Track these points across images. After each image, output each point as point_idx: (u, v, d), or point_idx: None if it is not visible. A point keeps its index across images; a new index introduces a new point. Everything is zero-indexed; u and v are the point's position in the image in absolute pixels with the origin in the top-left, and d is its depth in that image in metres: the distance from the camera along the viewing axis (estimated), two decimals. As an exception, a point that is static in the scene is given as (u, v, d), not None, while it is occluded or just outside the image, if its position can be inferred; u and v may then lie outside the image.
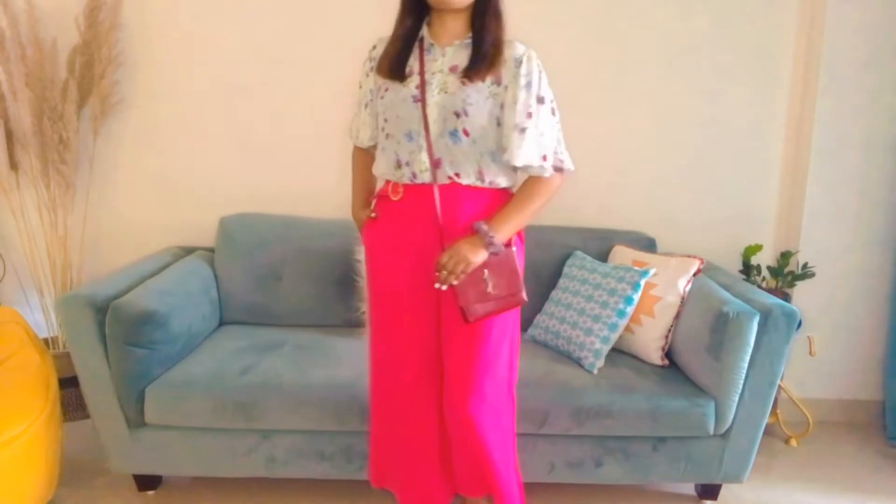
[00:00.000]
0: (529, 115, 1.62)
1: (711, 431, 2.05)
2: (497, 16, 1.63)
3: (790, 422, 2.69)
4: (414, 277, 1.68)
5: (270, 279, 2.50)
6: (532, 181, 1.68)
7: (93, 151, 2.62)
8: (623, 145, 2.74)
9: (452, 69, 1.63)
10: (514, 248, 1.65)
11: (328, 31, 2.62)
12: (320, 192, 2.69)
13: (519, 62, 1.62)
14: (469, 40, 1.64)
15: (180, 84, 2.66)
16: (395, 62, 1.65)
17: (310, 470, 2.07)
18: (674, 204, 2.78)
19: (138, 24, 2.60)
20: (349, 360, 2.17)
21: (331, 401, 2.00)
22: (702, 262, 2.29)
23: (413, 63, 1.65)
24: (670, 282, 2.24)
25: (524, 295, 1.64)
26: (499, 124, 1.64)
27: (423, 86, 1.62)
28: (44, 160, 2.50)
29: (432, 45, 1.66)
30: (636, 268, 2.28)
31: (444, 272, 1.58)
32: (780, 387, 2.46)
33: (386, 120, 1.68)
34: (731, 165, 2.77)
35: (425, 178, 1.63)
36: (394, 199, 1.68)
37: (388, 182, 1.72)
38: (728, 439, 2.08)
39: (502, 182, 1.68)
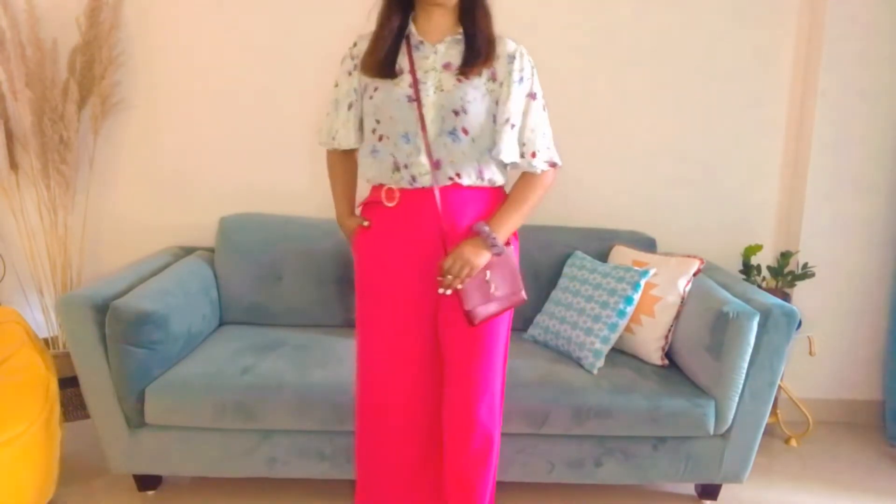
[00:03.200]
0: (524, 111, 1.62)
1: (711, 431, 2.05)
2: (486, 11, 1.62)
3: (790, 422, 2.69)
4: (413, 284, 1.64)
5: (270, 279, 2.50)
6: (526, 178, 1.67)
7: (93, 151, 2.63)
8: (623, 146, 2.74)
9: (446, 66, 1.59)
10: (511, 247, 1.65)
11: (328, 31, 2.61)
12: (320, 192, 2.68)
13: (512, 58, 1.61)
14: (460, 36, 1.61)
15: (181, 84, 2.66)
16: (384, 60, 1.59)
17: (310, 470, 2.07)
18: (674, 204, 2.78)
19: (139, 24, 2.60)
20: (349, 360, 2.16)
21: (331, 401, 2.00)
22: (702, 262, 2.29)
23: (402, 61, 1.60)
24: (670, 282, 2.24)
25: (524, 293, 1.64)
26: (495, 121, 1.61)
27: (416, 85, 1.57)
28: (44, 160, 2.50)
29: (421, 41, 1.61)
30: (636, 268, 2.28)
31: (449, 277, 1.56)
32: (780, 387, 2.46)
33: (378, 122, 1.61)
34: (732, 166, 2.77)
35: (425, 181, 1.59)
36: (388, 204, 1.63)
37: (380, 187, 1.65)
38: (728, 439, 2.08)
39: (499, 179, 1.67)
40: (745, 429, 2.08)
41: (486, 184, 1.64)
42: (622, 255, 2.49)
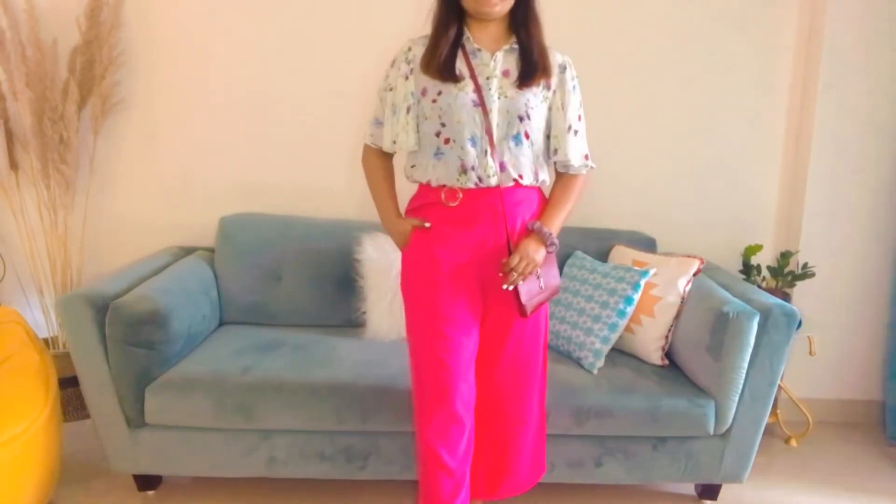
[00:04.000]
0: (579, 117, 1.75)
1: (711, 431, 2.05)
2: (538, 22, 1.69)
3: (790, 422, 2.69)
4: (471, 282, 1.73)
5: (270, 279, 2.50)
6: (571, 179, 1.79)
7: (93, 151, 2.63)
8: (623, 145, 2.74)
9: (505, 74, 1.67)
10: None
11: (328, 31, 2.62)
12: (320, 192, 2.69)
13: (563, 68, 1.73)
14: (515, 45, 1.69)
15: (181, 84, 2.66)
16: (447, 64, 1.66)
17: (310, 470, 2.07)
18: (674, 204, 2.78)
19: (139, 24, 2.60)
20: (349, 360, 2.17)
21: (331, 401, 1.99)
22: (702, 262, 2.29)
23: (461, 67, 1.67)
24: (670, 282, 2.24)
25: (559, 280, 1.81)
26: (547, 127, 1.73)
27: (479, 90, 1.64)
28: (44, 160, 2.50)
29: (478, 49, 1.68)
30: (636, 268, 2.28)
31: (514, 274, 1.65)
32: (780, 387, 2.46)
33: (444, 125, 1.67)
34: (732, 165, 2.77)
35: (492, 181, 1.67)
36: (450, 205, 1.69)
37: (439, 188, 1.71)
38: (728, 439, 2.08)
39: (547, 178, 1.78)
40: (745, 429, 2.08)
41: (538, 184, 1.75)
42: (622, 255, 2.49)
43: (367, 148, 1.84)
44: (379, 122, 1.79)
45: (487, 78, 1.66)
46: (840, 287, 2.75)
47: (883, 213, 2.71)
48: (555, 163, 1.78)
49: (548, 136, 1.75)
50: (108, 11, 2.49)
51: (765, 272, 2.68)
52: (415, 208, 1.78)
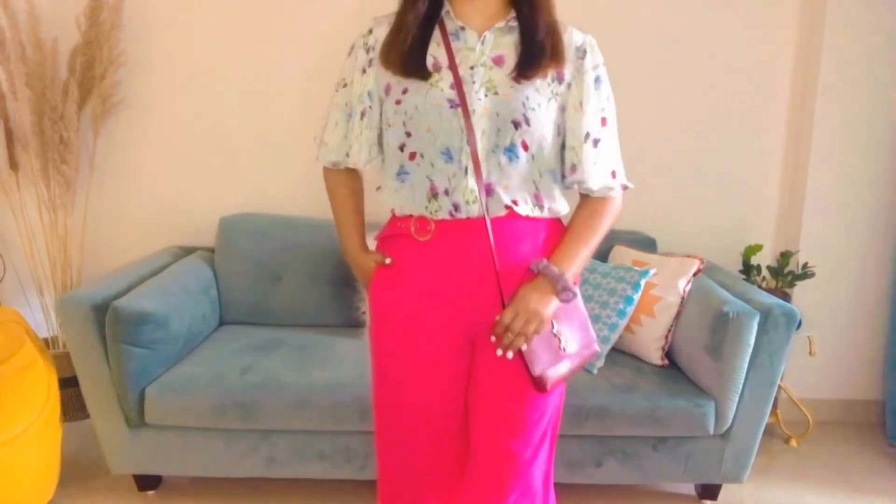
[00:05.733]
0: (603, 120, 1.29)
1: (711, 431, 2.05)
2: None
3: (790, 422, 2.69)
4: (450, 339, 1.31)
5: (270, 279, 2.50)
6: (595, 203, 1.33)
7: (93, 151, 2.62)
8: (623, 145, 2.73)
9: (497, 61, 1.24)
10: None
11: (329, 31, 2.62)
12: (320, 192, 2.68)
13: (582, 51, 1.28)
14: (513, 22, 1.26)
15: (181, 84, 2.66)
16: (413, 52, 1.24)
17: (310, 470, 2.07)
18: (674, 204, 2.78)
19: (139, 24, 2.60)
20: (349, 360, 2.17)
21: (331, 401, 1.99)
22: (702, 262, 2.29)
23: (437, 53, 1.25)
24: (670, 282, 2.24)
25: (597, 345, 1.33)
26: (558, 133, 1.29)
27: (459, 85, 1.22)
28: (44, 160, 2.50)
29: (461, 28, 1.26)
30: (636, 268, 2.28)
31: (509, 335, 1.22)
32: (780, 387, 2.46)
33: (409, 134, 1.25)
34: (732, 165, 2.77)
35: (473, 210, 1.24)
36: (420, 239, 1.27)
37: (408, 217, 1.29)
38: (728, 439, 2.08)
39: (562, 208, 1.33)
40: (745, 429, 2.08)
41: (545, 214, 1.30)
42: (622, 255, 2.49)
43: (325, 168, 1.45)
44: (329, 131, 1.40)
45: (472, 67, 1.23)
46: (840, 287, 2.75)
47: (883, 213, 2.71)
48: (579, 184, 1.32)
49: (563, 147, 1.31)
50: (108, 11, 2.49)
51: (765, 272, 2.68)
52: (383, 238, 1.38)
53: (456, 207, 1.25)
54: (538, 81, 1.24)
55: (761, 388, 2.06)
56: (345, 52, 1.36)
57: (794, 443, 2.64)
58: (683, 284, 2.23)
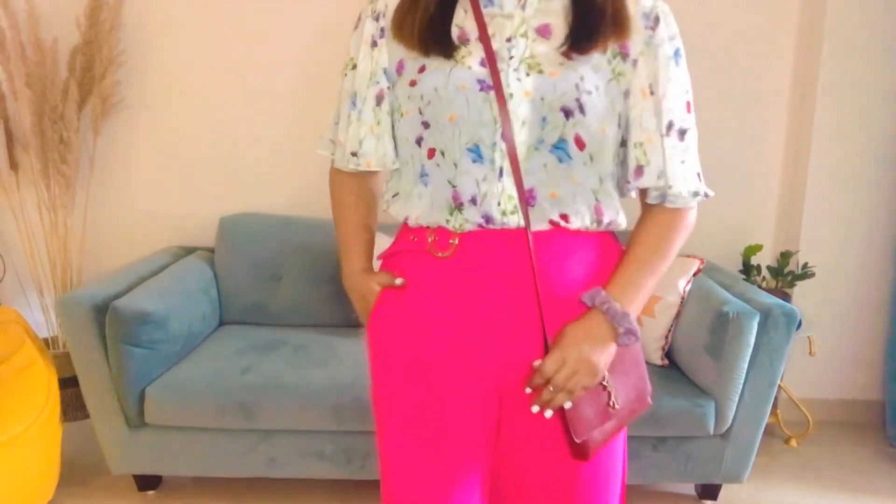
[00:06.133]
0: (689, 105, 1.04)
1: (711, 431, 2.05)
2: None
3: (790, 422, 2.69)
4: (474, 384, 1.01)
5: (270, 279, 2.50)
6: (667, 216, 1.04)
7: (93, 151, 2.62)
8: (623, 145, 2.74)
9: (542, 31, 0.97)
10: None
11: (329, 29, 2.62)
12: (320, 192, 2.68)
13: (653, 19, 0.99)
14: None
15: (181, 84, 2.66)
16: (433, 20, 0.99)
17: (310, 470, 2.07)
18: (674, 204, 2.78)
19: (139, 24, 2.60)
20: (349, 360, 2.17)
21: (331, 401, 1.99)
22: (702, 262, 2.29)
23: (464, 21, 0.99)
24: (670, 282, 2.24)
25: (650, 397, 1.06)
26: (619, 126, 1.01)
27: (492, 62, 0.95)
28: (44, 160, 2.50)
29: None
30: (636, 268, 2.28)
31: (552, 389, 0.96)
32: (780, 387, 2.46)
33: (427, 125, 0.99)
34: (732, 165, 2.77)
35: (509, 222, 0.97)
36: (440, 255, 1.00)
37: (423, 229, 1.03)
38: (728, 439, 2.08)
39: (622, 222, 1.06)
40: (745, 429, 2.08)
41: (603, 228, 1.03)
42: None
43: (332, 168, 1.19)
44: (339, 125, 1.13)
45: (508, 39, 0.97)
46: (840, 287, 2.75)
47: (883, 213, 2.71)
48: (642, 191, 1.05)
49: (622, 144, 1.03)
50: (108, 11, 2.49)
51: (765, 272, 2.68)
52: (389, 256, 1.11)
53: (488, 219, 0.97)
54: (596, 57, 0.96)
55: (761, 388, 2.05)
56: (345, 49, 1.12)
57: (794, 443, 2.64)
58: (683, 284, 2.23)
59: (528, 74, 0.96)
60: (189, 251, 2.62)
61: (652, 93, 1.00)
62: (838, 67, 2.61)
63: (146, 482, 2.19)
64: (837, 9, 2.57)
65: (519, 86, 0.96)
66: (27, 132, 2.46)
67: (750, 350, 2.01)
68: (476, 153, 0.97)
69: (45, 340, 2.64)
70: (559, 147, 0.97)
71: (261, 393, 2.00)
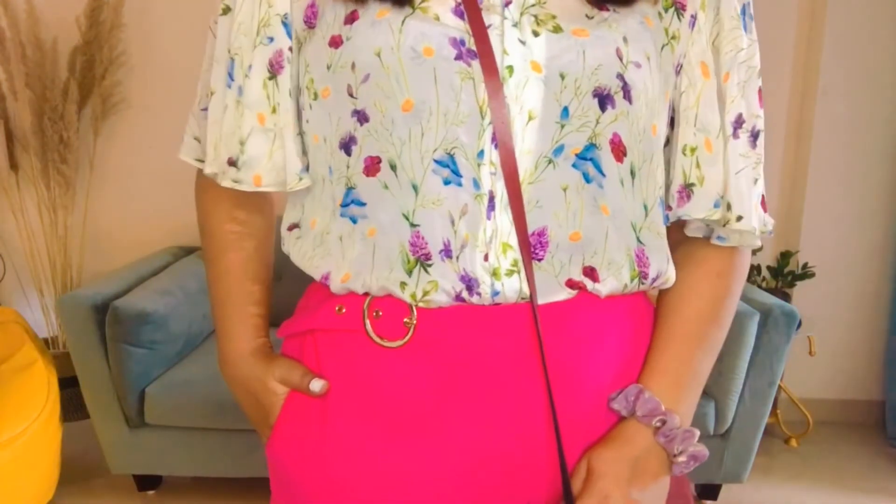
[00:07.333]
0: (760, 95, 0.67)
1: (711, 431, 2.05)
2: None
3: (790, 422, 2.69)
4: None
5: (270, 279, 2.50)
6: (723, 260, 0.71)
7: (93, 151, 2.62)
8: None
9: None
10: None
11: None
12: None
13: None
14: None
15: (181, 84, 2.66)
16: None
17: (310, 470, 2.07)
18: (674, 204, 2.78)
19: (140, 24, 2.60)
20: (349, 360, 2.16)
21: (331, 401, 1.99)
22: (702, 262, 2.28)
23: None
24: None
25: None
26: (671, 122, 0.67)
27: (475, 11, 0.58)
28: (44, 160, 2.50)
29: None
30: (636, 268, 2.28)
31: None
32: (780, 387, 2.46)
33: (363, 117, 0.60)
34: (731, 165, 2.77)
35: (505, 289, 0.60)
36: (387, 344, 0.62)
37: (356, 297, 0.64)
38: (728, 439, 2.08)
39: (672, 273, 0.69)
40: (745, 429, 2.08)
41: (646, 285, 0.66)
42: (622, 255, 2.49)
43: (198, 177, 0.84)
44: (205, 114, 0.76)
45: None
46: (840, 287, 2.75)
47: (883, 213, 2.71)
48: (683, 221, 0.70)
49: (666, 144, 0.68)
50: (108, 11, 2.48)
51: (765, 272, 2.68)
52: (298, 334, 0.74)
53: (469, 284, 0.60)
54: (644, 7, 0.62)
55: (761, 388, 2.05)
56: None
57: (794, 443, 2.64)
58: (683, 284, 2.23)
59: (536, 34, 0.58)
60: (189, 251, 2.62)
61: (715, 69, 0.65)
62: (839, 67, 2.61)
63: (146, 482, 2.19)
64: (837, 9, 2.57)
65: (522, 52, 0.57)
66: (27, 132, 2.46)
67: (750, 350, 2.01)
68: (450, 169, 0.58)
69: (45, 340, 2.64)
70: (586, 156, 0.60)
71: (261, 393, 2.00)
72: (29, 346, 2.03)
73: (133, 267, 2.34)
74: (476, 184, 0.59)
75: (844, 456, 2.57)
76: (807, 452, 2.59)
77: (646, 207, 0.64)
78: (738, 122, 0.65)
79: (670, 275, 0.68)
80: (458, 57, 0.58)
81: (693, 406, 0.69)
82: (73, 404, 2.54)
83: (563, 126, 0.59)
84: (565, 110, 0.59)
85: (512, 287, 0.60)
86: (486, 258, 0.59)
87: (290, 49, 0.64)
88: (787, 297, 2.59)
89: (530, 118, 0.58)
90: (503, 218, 0.59)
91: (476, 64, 0.57)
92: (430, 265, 0.60)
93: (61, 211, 2.59)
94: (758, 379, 2.04)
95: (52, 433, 1.91)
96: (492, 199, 0.59)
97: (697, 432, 0.66)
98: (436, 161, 0.59)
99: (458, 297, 0.60)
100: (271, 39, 0.64)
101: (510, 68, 0.57)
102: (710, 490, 2.22)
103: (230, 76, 0.66)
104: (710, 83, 0.64)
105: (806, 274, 2.63)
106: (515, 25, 0.58)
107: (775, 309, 2.02)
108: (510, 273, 0.59)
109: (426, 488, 0.62)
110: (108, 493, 2.18)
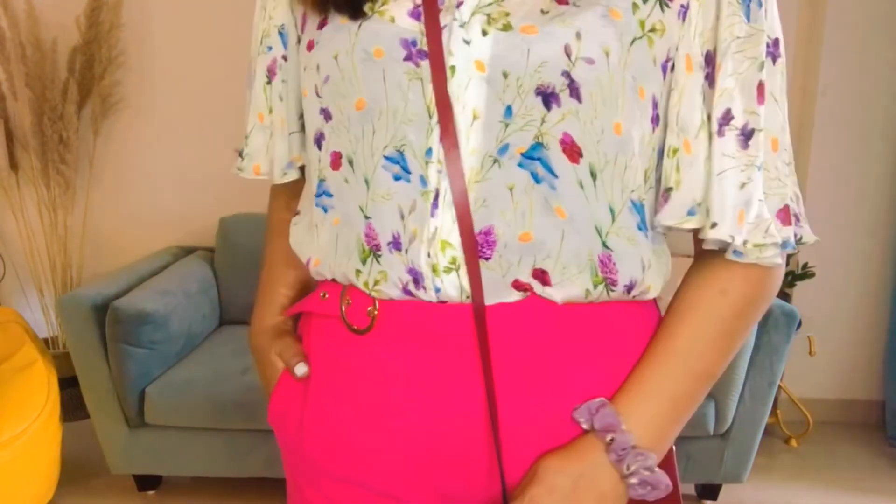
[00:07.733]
0: (762, 89, 0.67)
1: (711, 431, 2.05)
2: None
3: (790, 422, 2.69)
4: None
5: (270, 279, 2.50)
6: (737, 276, 0.65)
7: (93, 151, 2.62)
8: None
9: None
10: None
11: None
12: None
13: None
14: None
15: (180, 84, 2.66)
16: None
17: (310, 470, 2.07)
18: (674, 204, 2.78)
19: (139, 24, 2.60)
20: (349, 360, 2.16)
21: (331, 401, 1.99)
22: (702, 262, 2.28)
23: None
24: (670, 282, 2.24)
25: None
26: (656, 121, 0.63)
27: (432, 11, 0.59)
28: (44, 160, 2.50)
29: None
30: (636, 268, 2.28)
31: None
32: (780, 387, 2.46)
33: (327, 115, 0.65)
34: (731, 165, 2.77)
35: (447, 287, 0.60)
36: (355, 330, 0.65)
37: (331, 284, 0.68)
38: (728, 439, 2.08)
39: (656, 284, 0.68)
40: (745, 429, 2.08)
41: (618, 293, 0.63)
42: (622, 255, 2.49)
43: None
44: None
45: None
46: (840, 287, 2.75)
47: (883, 213, 2.71)
48: (698, 236, 0.66)
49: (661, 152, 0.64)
50: (108, 11, 2.49)
51: (765, 272, 2.68)
52: (301, 316, 0.78)
53: (415, 278, 0.61)
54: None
55: (761, 388, 2.05)
56: None
57: (794, 443, 2.64)
58: (683, 284, 2.23)
59: (484, 33, 0.57)
60: (189, 251, 2.62)
61: (708, 63, 0.61)
62: (839, 67, 2.61)
63: (146, 482, 2.19)
64: (837, 9, 2.57)
65: (466, 52, 0.57)
66: (27, 132, 2.46)
67: (750, 350, 2.01)
68: (400, 165, 0.60)
69: (45, 340, 2.64)
70: (533, 156, 0.58)
71: (261, 393, 1.99)
72: (29, 346, 2.03)
73: (133, 267, 2.34)
74: (423, 181, 0.60)
75: (844, 456, 2.57)
76: (807, 452, 2.59)
77: (612, 211, 0.61)
78: (726, 119, 0.61)
79: (649, 283, 0.66)
80: (408, 58, 0.60)
81: (666, 429, 0.62)
82: (73, 404, 2.54)
83: (507, 125, 0.59)
84: (508, 109, 0.58)
85: (452, 284, 0.60)
86: (427, 254, 0.60)
87: (284, 57, 0.74)
88: (786, 298, 2.59)
89: (475, 117, 0.59)
90: (446, 215, 0.59)
91: (425, 64, 0.59)
92: (380, 256, 0.63)
93: (61, 211, 2.59)
94: (758, 379, 2.04)
95: (52, 433, 1.91)
96: (436, 197, 0.60)
97: (654, 456, 0.60)
98: (386, 157, 0.61)
99: (406, 290, 0.62)
100: (270, 48, 0.74)
101: (452, 68, 0.58)
102: (710, 490, 2.22)
103: (249, 83, 0.79)
104: (692, 77, 0.61)
105: (806, 274, 2.63)
106: (463, 26, 0.58)
107: (775, 309, 2.02)
108: (448, 270, 0.60)
109: (386, 476, 0.65)
110: (108, 493, 2.18)
